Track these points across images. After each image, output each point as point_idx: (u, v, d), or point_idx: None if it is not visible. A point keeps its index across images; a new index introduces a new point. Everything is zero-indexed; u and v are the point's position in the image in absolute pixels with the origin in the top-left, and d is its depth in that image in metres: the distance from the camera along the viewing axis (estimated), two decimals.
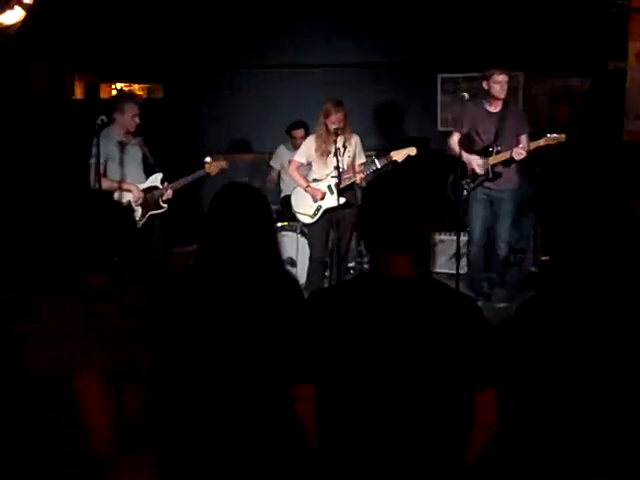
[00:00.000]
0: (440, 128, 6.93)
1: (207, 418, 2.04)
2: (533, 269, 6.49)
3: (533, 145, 5.02)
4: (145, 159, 5.12)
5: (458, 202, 5.12)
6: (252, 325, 2.03)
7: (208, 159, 5.12)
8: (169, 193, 5.08)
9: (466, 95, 4.94)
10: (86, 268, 1.93)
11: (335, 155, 4.78)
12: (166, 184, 5.10)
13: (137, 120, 4.99)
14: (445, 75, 7.02)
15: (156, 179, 5.12)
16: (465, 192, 5.13)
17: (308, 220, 5.26)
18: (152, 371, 1.95)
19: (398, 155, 5.06)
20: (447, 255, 6.31)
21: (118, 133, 4.97)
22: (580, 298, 1.86)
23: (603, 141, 6.24)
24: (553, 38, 6.46)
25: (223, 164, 5.16)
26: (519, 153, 5.00)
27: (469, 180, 5.15)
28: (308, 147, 5.17)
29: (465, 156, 5.03)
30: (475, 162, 5.10)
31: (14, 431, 1.80)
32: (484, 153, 5.12)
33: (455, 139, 5.22)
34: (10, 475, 1.79)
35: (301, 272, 5.56)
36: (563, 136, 4.99)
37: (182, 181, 5.11)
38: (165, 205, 5.12)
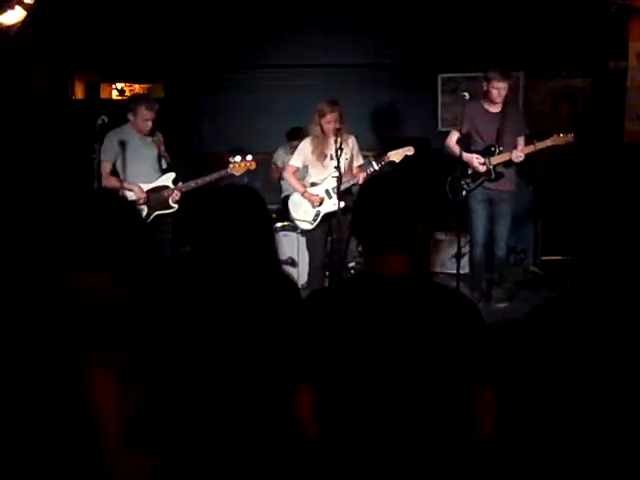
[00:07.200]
0: (440, 128, 6.92)
1: (206, 417, 2.05)
2: (533, 269, 6.50)
3: (540, 145, 5.01)
4: (160, 158, 5.01)
5: (457, 202, 5.11)
6: (248, 325, 2.03)
7: (237, 158, 4.87)
8: (177, 194, 4.91)
9: (467, 95, 4.93)
10: (82, 268, 1.91)
11: (336, 156, 4.63)
12: (180, 184, 4.95)
13: (149, 125, 4.93)
14: (446, 75, 7.02)
15: (167, 179, 4.98)
16: (464, 192, 5.13)
17: (308, 226, 5.11)
18: (151, 371, 1.96)
19: (395, 155, 4.98)
20: (447, 255, 6.32)
21: (129, 132, 4.93)
22: (601, 298, 1.84)
23: (603, 141, 6.23)
24: (553, 38, 6.46)
25: (250, 165, 4.90)
26: (518, 156, 5.00)
27: (469, 180, 5.15)
28: (304, 150, 5.02)
29: (465, 155, 5.01)
30: (477, 160, 5.09)
31: (18, 431, 1.81)
32: (486, 153, 5.11)
33: (454, 139, 5.20)
34: (12, 475, 1.80)
35: (302, 272, 5.54)
36: (571, 136, 4.97)
37: (199, 181, 4.90)
38: (175, 205, 4.94)
